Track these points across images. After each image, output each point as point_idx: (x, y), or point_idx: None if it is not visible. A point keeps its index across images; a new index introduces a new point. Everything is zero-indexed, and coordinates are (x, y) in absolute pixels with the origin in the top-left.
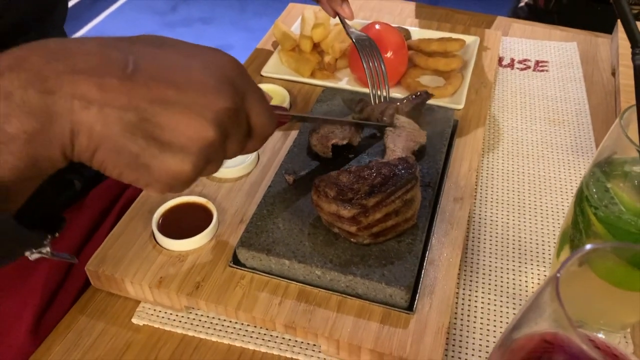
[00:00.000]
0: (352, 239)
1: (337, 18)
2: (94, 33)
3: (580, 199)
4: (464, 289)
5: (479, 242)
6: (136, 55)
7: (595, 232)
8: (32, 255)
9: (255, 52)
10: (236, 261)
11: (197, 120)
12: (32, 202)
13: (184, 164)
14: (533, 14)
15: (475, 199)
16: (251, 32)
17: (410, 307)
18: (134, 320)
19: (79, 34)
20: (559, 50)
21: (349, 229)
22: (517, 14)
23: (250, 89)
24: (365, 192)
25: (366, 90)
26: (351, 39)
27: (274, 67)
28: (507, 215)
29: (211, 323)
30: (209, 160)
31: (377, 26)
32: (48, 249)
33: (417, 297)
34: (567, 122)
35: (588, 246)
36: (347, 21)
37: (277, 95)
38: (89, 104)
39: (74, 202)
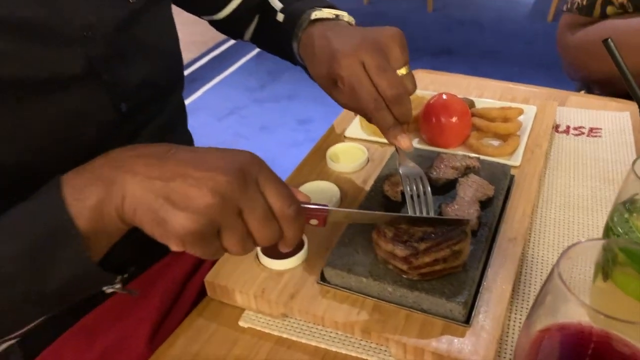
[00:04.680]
0: (403, 275)
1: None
2: (192, 107)
3: (607, 230)
4: (515, 313)
5: (530, 277)
6: (176, 150)
7: (618, 259)
8: (108, 290)
9: (339, 118)
10: (323, 279)
11: (200, 188)
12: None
13: (189, 221)
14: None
15: (528, 241)
16: (330, 107)
17: (467, 321)
18: (240, 323)
19: None
20: (612, 118)
21: (401, 267)
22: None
23: (264, 174)
24: (418, 237)
25: (432, 148)
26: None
27: (354, 130)
28: (558, 256)
29: (302, 328)
30: (214, 222)
31: (444, 96)
32: (119, 285)
33: (473, 313)
34: (617, 180)
35: (582, 241)
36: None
37: (357, 152)
38: (135, 175)
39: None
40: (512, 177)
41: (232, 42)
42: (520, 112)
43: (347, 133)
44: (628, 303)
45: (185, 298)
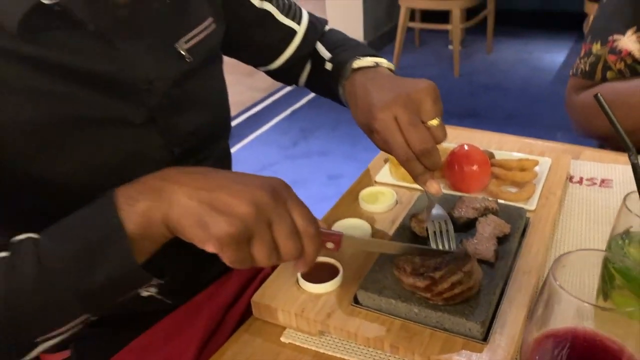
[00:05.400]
0: (429, 301)
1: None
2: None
3: (605, 260)
4: None
5: None
6: (216, 170)
7: (615, 282)
8: (144, 292)
9: (371, 165)
10: (356, 301)
11: (239, 198)
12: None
13: (229, 225)
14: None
15: (542, 275)
16: (360, 163)
17: (484, 339)
18: (282, 339)
19: None
20: (623, 171)
21: (425, 295)
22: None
23: (292, 196)
24: (433, 267)
25: (455, 193)
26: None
27: (384, 176)
28: None
29: (337, 344)
30: (249, 229)
31: (465, 146)
32: (155, 289)
33: (490, 332)
34: None
35: (574, 250)
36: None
37: (387, 195)
38: (182, 186)
39: (226, 271)
40: (528, 219)
41: (267, 102)
42: (536, 163)
43: (378, 178)
44: (627, 322)
45: (227, 324)
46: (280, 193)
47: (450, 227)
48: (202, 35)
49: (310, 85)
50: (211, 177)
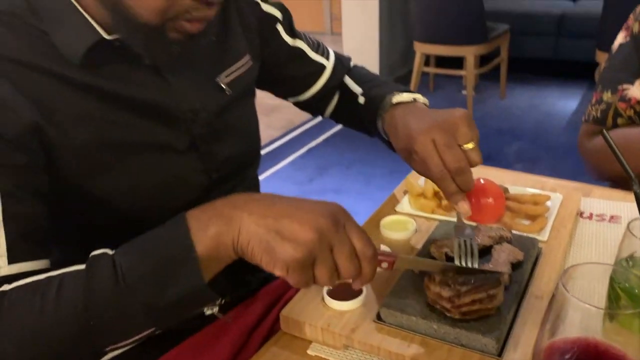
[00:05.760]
0: (447, 314)
1: None
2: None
3: (611, 281)
4: None
5: None
6: (280, 197)
7: (621, 302)
8: (207, 311)
9: (391, 196)
10: (379, 318)
11: (304, 226)
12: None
13: (295, 250)
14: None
15: None
16: (374, 202)
17: (499, 354)
18: (309, 352)
19: None
20: (631, 208)
21: (445, 306)
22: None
23: (350, 221)
24: (460, 282)
25: (472, 223)
26: (454, 236)
27: (404, 206)
28: None
29: (360, 358)
30: (313, 253)
31: (481, 180)
32: (217, 308)
33: (504, 348)
34: None
35: (581, 263)
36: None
37: (407, 223)
38: (251, 214)
39: (251, 295)
40: (540, 249)
41: (284, 140)
42: (548, 198)
43: (398, 208)
44: (633, 340)
45: (252, 343)
46: (339, 218)
47: (475, 243)
48: (240, 71)
49: (337, 116)
50: (277, 205)
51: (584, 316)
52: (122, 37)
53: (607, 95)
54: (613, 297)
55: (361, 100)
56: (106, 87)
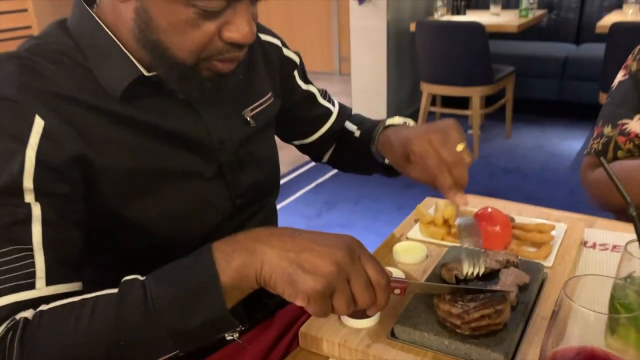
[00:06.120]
0: (457, 330)
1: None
2: None
3: (611, 298)
4: None
5: None
6: (299, 232)
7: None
8: (228, 336)
9: (403, 223)
10: (393, 335)
11: (324, 259)
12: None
13: (315, 282)
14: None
15: None
16: (381, 237)
17: None
18: None
19: None
20: (633, 238)
21: (455, 322)
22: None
23: (365, 253)
24: (469, 299)
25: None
26: (457, 224)
27: (415, 233)
28: None
29: None
30: (332, 285)
31: (489, 209)
32: (237, 334)
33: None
34: None
35: (583, 275)
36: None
37: (418, 249)
38: (273, 248)
39: (268, 317)
40: (545, 273)
41: (293, 175)
42: (553, 227)
43: (409, 235)
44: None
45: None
46: (355, 251)
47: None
48: (263, 106)
49: (333, 160)
50: (297, 240)
51: (586, 324)
52: (159, 74)
53: (607, 130)
54: (613, 313)
55: (357, 134)
56: (143, 119)
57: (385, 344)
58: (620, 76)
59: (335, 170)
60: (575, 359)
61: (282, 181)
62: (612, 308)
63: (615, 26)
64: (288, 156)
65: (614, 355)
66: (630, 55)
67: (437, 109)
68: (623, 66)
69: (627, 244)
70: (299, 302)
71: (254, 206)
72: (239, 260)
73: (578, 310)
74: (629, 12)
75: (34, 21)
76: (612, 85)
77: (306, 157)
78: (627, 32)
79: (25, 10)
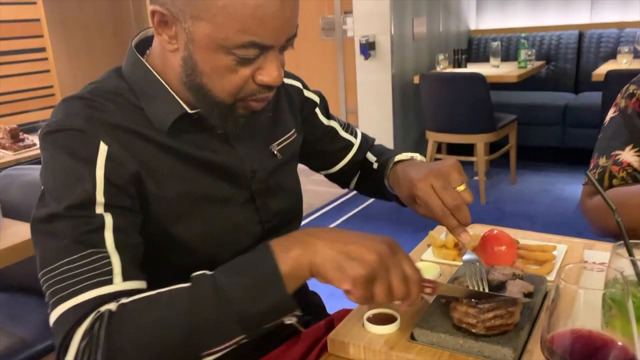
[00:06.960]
0: (472, 330)
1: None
2: None
3: (604, 295)
4: None
5: None
6: (343, 230)
7: (612, 311)
8: (287, 320)
9: (417, 247)
10: (412, 338)
11: (368, 249)
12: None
13: (362, 267)
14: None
15: None
16: None
17: None
18: None
19: None
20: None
21: (471, 322)
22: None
23: (401, 250)
24: (484, 301)
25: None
26: (463, 264)
27: (429, 255)
28: None
29: None
30: (375, 272)
31: (495, 231)
32: (295, 318)
33: (521, 357)
34: None
35: (577, 263)
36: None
37: (432, 269)
38: (323, 240)
39: (294, 334)
40: (548, 286)
41: (315, 215)
42: (554, 248)
43: (423, 257)
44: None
45: None
46: (394, 248)
47: (482, 267)
48: (288, 141)
49: (359, 187)
50: (343, 234)
51: (583, 305)
52: (201, 112)
53: (602, 161)
54: (606, 307)
55: (375, 165)
56: (186, 150)
57: (405, 346)
58: (611, 113)
59: (356, 210)
60: (571, 341)
61: (304, 221)
62: (604, 303)
63: (610, 74)
64: (311, 197)
65: (607, 337)
66: (619, 95)
67: (443, 156)
68: (613, 104)
69: (615, 244)
70: (345, 286)
71: (281, 231)
72: (295, 252)
73: (573, 290)
74: (623, 61)
75: (55, 82)
76: (605, 121)
77: (317, 204)
78: (621, 79)
79: (48, 71)
